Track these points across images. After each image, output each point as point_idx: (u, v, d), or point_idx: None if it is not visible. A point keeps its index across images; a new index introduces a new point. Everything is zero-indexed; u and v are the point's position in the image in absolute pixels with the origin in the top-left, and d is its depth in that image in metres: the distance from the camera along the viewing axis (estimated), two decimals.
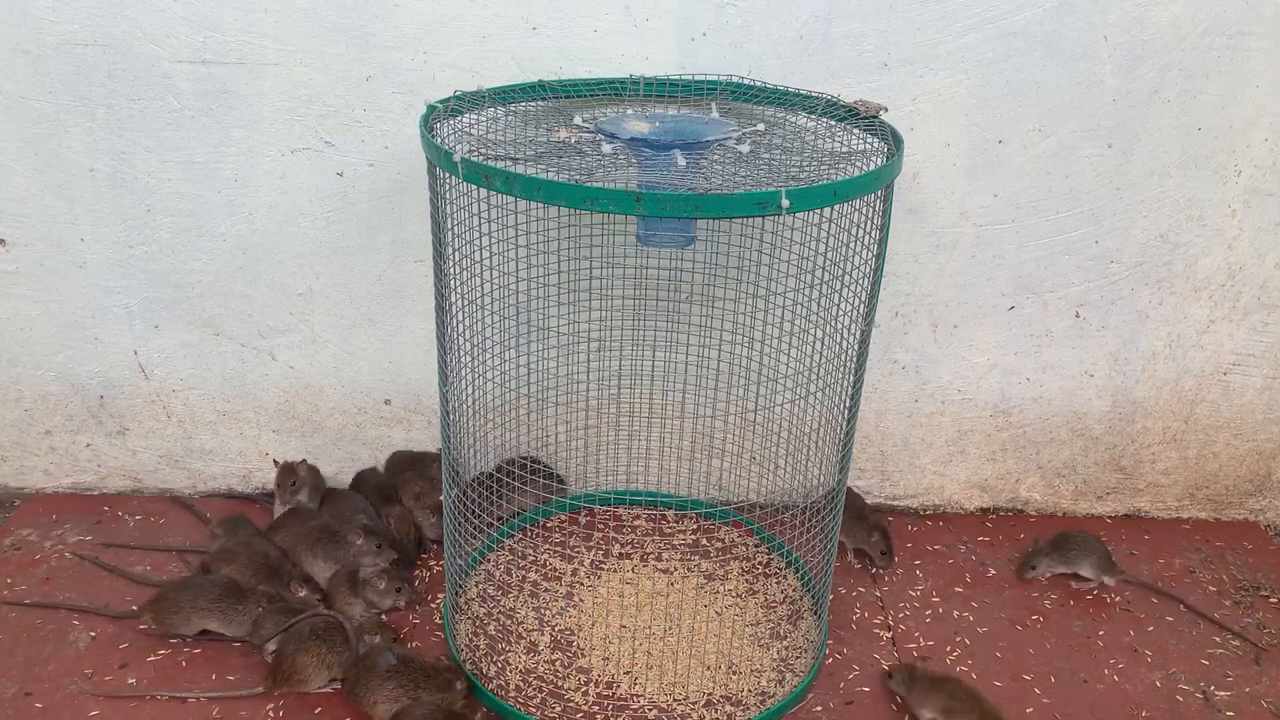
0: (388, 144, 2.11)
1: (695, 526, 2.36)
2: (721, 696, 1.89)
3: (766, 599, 2.14)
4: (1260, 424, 2.43)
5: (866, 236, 1.73)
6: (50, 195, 2.15)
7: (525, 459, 2.21)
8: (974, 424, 2.42)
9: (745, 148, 1.69)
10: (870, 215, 1.72)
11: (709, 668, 1.94)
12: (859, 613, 2.16)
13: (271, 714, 1.84)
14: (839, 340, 1.87)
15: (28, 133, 2.09)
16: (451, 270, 1.81)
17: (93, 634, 2.00)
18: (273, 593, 2.00)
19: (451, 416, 1.88)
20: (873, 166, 1.64)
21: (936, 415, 2.41)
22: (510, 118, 1.86)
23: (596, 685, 1.90)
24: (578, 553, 2.24)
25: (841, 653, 2.05)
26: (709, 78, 1.96)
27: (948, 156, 2.14)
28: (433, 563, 2.25)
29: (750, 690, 1.91)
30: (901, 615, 2.15)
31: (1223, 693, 1.98)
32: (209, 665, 1.93)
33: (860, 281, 1.76)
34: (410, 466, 2.35)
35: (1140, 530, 2.47)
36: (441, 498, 2.24)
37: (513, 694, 1.88)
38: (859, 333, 1.80)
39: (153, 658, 1.95)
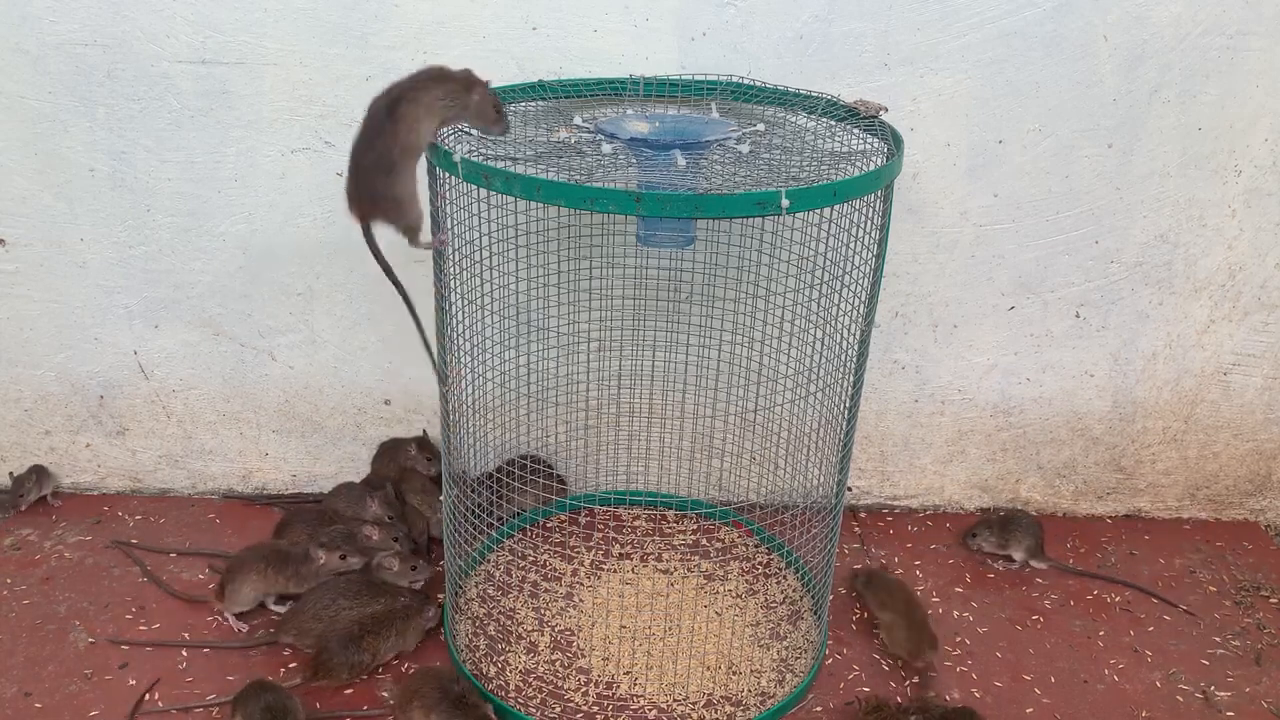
0: None
1: (695, 527, 2.36)
2: (721, 697, 1.89)
3: (766, 599, 2.14)
4: (1260, 424, 2.43)
5: (866, 236, 1.73)
6: (50, 195, 2.15)
7: (525, 458, 2.21)
8: (974, 424, 2.42)
9: (745, 148, 1.69)
10: (870, 215, 1.72)
11: (709, 668, 1.94)
12: (859, 613, 2.16)
13: None
14: (839, 340, 1.87)
15: (28, 133, 2.09)
16: (451, 270, 1.81)
17: (92, 636, 2.00)
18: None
19: (451, 416, 1.88)
20: (873, 166, 1.64)
21: (936, 415, 2.41)
22: (510, 118, 1.86)
23: (596, 685, 1.90)
24: (578, 553, 2.24)
25: (841, 653, 2.05)
26: (709, 78, 1.96)
27: (948, 156, 2.14)
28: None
29: (750, 690, 1.91)
30: None
31: (1223, 693, 1.98)
32: (208, 665, 1.94)
33: (860, 281, 1.76)
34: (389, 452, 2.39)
35: (1140, 530, 2.47)
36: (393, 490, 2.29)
37: (513, 694, 1.88)
38: (859, 333, 1.80)
39: (153, 659, 1.95)
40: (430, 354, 1.75)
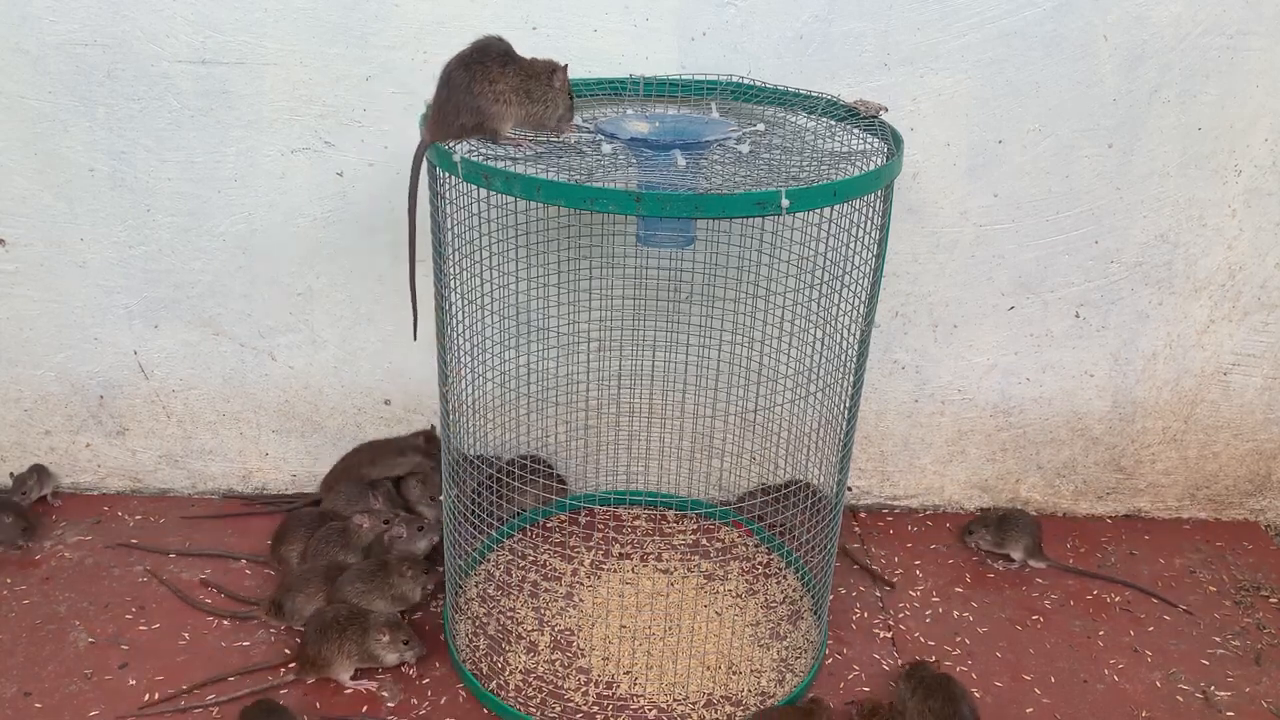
0: (388, 144, 2.11)
1: (695, 527, 2.36)
2: (721, 696, 1.89)
3: (766, 599, 2.14)
4: (1260, 424, 2.43)
5: (866, 236, 1.73)
6: (50, 195, 2.15)
7: (526, 458, 2.21)
8: (974, 424, 2.42)
9: (745, 148, 1.69)
10: (870, 215, 1.72)
11: (709, 668, 1.94)
12: (859, 613, 2.16)
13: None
14: (839, 340, 1.87)
15: (28, 133, 2.09)
16: (451, 270, 1.81)
17: (92, 636, 2.00)
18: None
19: (451, 416, 1.88)
20: (873, 166, 1.64)
21: (936, 415, 2.41)
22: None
23: (596, 685, 1.90)
24: (578, 553, 2.24)
25: (841, 653, 2.05)
26: (709, 78, 1.96)
27: (948, 156, 2.14)
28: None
29: (750, 690, 1.91)
30: (901, 615, 2.15)
31: (1223, 693, 1.98)
32: (209, 666, 1.94)
33: (860, 281, 1.76)
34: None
35: (1140, 530, 2.47)
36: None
37: (513, 694, 1.88)
38: (859, 333, 1.80)
39: (153, 659, 1.95)
40: (414, 296, 1.75)
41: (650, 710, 1.86)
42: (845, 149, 1.78)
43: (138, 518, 2.35)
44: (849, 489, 2.47)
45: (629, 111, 1.89)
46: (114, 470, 2.44)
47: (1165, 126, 2.13)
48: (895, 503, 2.52)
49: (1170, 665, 2.05)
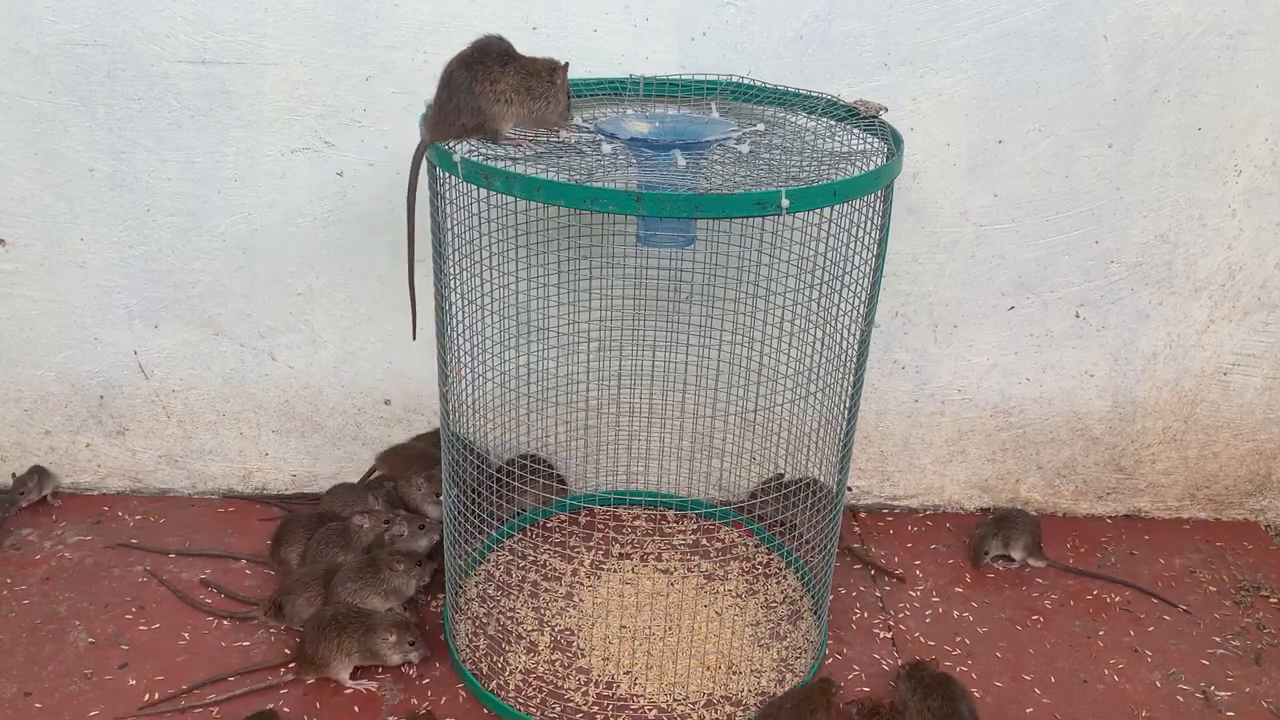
0: (388, 144, 2.11)
1: (695, 527, 2.36)
2: (721, 696, 1.89)
3: (766, 599, 2.14)
4: (1260, 424, 2.43)
5: (866, 236, 1.73)
6: (50, 195, 2.15)
7: (525, 458, 2.21)
8: (974, 424, 2.42)
9: (745, 148, 1.69)
10: (870, 215, 1.72)
11: (709, 668, 1.94)
12: (859, 613, 2.16)
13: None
14: (839, 340, 1.87)
15: (28, 133, 2.09)
16: (451, 270, 1.81)
17: (92, 636, 2.00)
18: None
19: (451, 416, 1.88)
20: (873, 166, 1.64)
21: (936, 415, 2.41)
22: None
23: (596, 685, 1.90)
24: (578, 553, 2.24)
25: (841, 653, 2.05)
26: (709, 78, 1.96)
27: (948, 156, 2.14)
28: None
29: (750, 690, 1.91)
30: (901, 615, 2.15)
31: (1223, 693, 1.98)
32: (209, 666, 1.94)
33: (860, 281, 1.76)
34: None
35: (1140, 530, 2.47)
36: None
37: (513, 694, 1.88)
38: (859, 333, 1.80)
39: (152, 659, 1.95)
40: (413, 296, 1.75)
41: (650, 710, 1.86)
42: (845, 149, 1.78)
43: (138, 518, 2.35)
44: (849, 489, 2.47)
45: (629, 111, 1.89)
46: (114, 470, 2.44)
47: (1165, 126, 2.13)
48: (895, 503, 2.52)
49: (1170, 665, 2.05)
